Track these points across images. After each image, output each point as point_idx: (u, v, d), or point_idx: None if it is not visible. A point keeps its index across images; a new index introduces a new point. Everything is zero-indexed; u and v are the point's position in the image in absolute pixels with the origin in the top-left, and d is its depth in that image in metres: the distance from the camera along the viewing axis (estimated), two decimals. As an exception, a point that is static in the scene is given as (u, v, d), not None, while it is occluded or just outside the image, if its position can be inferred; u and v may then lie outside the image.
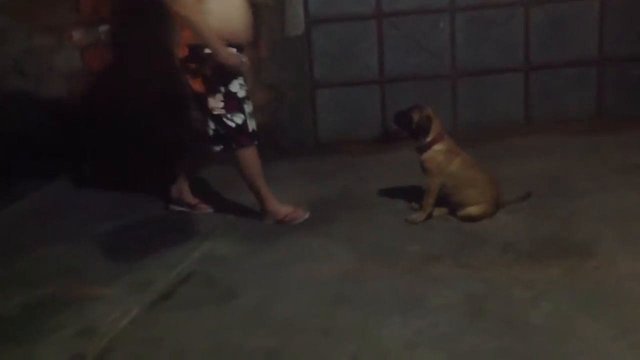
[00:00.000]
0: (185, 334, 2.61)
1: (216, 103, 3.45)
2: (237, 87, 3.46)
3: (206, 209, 4.01)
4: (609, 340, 2.28)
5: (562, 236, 3.17)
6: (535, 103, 5.14)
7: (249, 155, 3.57)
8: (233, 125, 3.48)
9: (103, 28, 4.99)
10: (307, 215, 3.69)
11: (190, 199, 4.02)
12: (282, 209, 3.69)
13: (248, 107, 3.53)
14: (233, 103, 3.46)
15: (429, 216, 3.53)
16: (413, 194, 3.76)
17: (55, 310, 2.87)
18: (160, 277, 3.11)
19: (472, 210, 3.44)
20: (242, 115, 3.48)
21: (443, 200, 3.53)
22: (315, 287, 2.89)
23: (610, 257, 2.88)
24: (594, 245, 3.02)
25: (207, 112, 3.50)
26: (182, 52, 3.48)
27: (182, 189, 4.01)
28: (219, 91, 3.43)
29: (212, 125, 3.52)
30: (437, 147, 3.48)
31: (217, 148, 3.58)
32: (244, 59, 3.49)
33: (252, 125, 3.55)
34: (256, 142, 3.60)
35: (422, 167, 3.53)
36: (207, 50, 3.36)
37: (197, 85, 3.47)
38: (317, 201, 3.93)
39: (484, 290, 2.71)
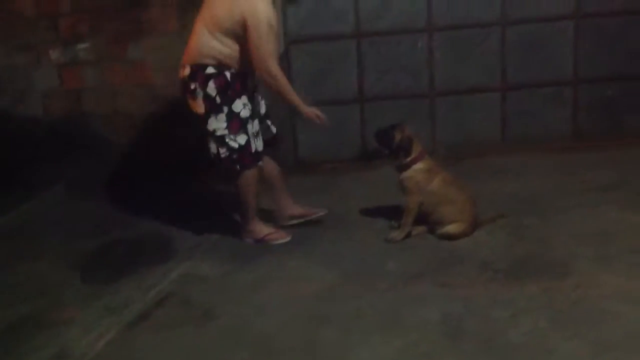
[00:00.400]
0: (162, 356, 2.58)
1: (219, 124, 3.43)
2: (240, 106, 3.44)
3: (318, 212, 3.86)
4: (588, 359, 2.29)
5: (539, 255, 3.19)
6: (512, 122, 5.18)
7: (251, 176, 3.55)
8: (236, 146, 3.45)
9: (82, 46, 4.97)
10: (288, 238, 3.66)
11: (297, 210, 3.89)
12: (264, 229, 3.68)
13: (252, 127, 3.50)
14: (236, 123, 3.43)
15: (408, 235, 3.54)
16: (392, 213, 3.77)
17: (31, 333, 2.83)
18: (137, 299, 3.08)
19: (451, 228, 3.45)
20: (245, 136, 3.46)
21: (422, 218, 3.54)
22: (295, 307, 2.87)
23: (588, 275, 2.90)
24: (572, 263, 3.04)
25: (208, 134, 3.48)
26: (182, 72, 3.47)
27: (285, 203, 3.88)
28: (222, 111, 3.41)
29: (212, 147, 3.50)
30: (417, 166, 3.49)
31: (223, 169, 3.58)
32: (321, 114, 3.54)
33: (255, 145, 3.52)
34: (259, 163, 3.57)
35: (401, 185, 3.54)
36: (210, 70, 3.37)
37: (196, 107, 3.46)
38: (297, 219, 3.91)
39: (462, 309, 2.71)
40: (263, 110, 3.73)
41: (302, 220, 3.84)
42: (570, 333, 2.44)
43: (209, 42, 3.36)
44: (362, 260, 3.33)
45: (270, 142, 3.77)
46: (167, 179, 4.91)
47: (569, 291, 2.77)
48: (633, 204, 3.73)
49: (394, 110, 4.99)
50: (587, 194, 3.99)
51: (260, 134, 3.58)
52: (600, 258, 3.07)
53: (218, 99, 3.40)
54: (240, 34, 3.32)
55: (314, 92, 5.05)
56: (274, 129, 3.79)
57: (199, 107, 3.44)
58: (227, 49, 3.37)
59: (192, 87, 3.42)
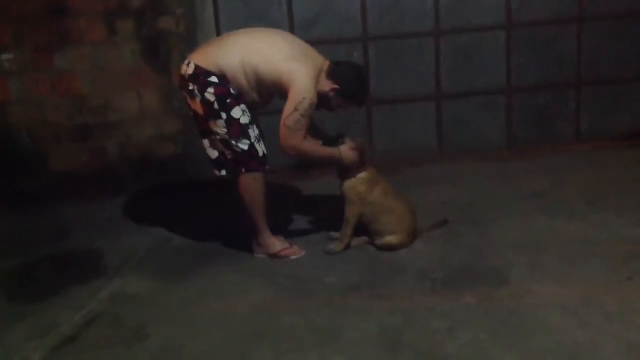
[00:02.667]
0: (91, 381, 2.46)
1: (219, 129, 3.34)
2: (239, 113, 3.33)
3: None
4: (525, 369, 2.29)
5: (476, 264, 3.19)
6: (447, 131, 5.24)
7: (255, 181, 3.42)
8: (239, 150, 3.36)
9: (5, 57, 4.78)
10: (302, 253, 3.53)
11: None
12: (278, 243, 3.54)
13: (254, 132, 3.39)
14: (236, 129, 3.33)
15: (348, 246, 3.50)
16: (331, 224, 3.73)
17: (-53, 361, 2.66)
18: (64, 320, 2.93)
19: (391, 239, 3.42)
20: (247, 141, 3.36)
21: (363, 228, 3.51)
22: (230, 324, 2.79)
23: (523, 284, 2.91)
24: (507, 272, 3.05)
25: (212, 135, 3.38)
26: (186, 69, 3.36)
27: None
28: (221, 117, 3.31)
29: (215, 149, 3.41)
30: (361, 175, 3.45)
31: (220, 173, 3.46)
32: (357, 145, 3.42)
33: (261, 149, 3.42)
34: (267, 167, 3.46)
35: (343, 195, 3.49)
36: (213, 80, 3.28)
37: (196, 106, 3.36)
38: (232, 233, 3.83)
39: (401, 322, 2.68)
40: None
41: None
42: (507, 344, 2.43)
43: (231, 63, 3.29)
44: (300, 274, 3.27)
45: None
46: (94, 192, 4.78)
47: (505, 301, 2.77)
48: (564, 212, 3.79)
49: (330, 120, 4.94)
50: (520, 201, 4.04)
51: (262, 140, 3.48)
52: (534, 267, 3.09)
53: (216, 105, 3.30)
54: (269, 86, 3.32)
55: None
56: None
57: (198, 108, 3.35)
58: (244, 81, 3.32)
59: (191, 87, 3.34)
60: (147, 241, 3.87)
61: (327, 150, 3.44)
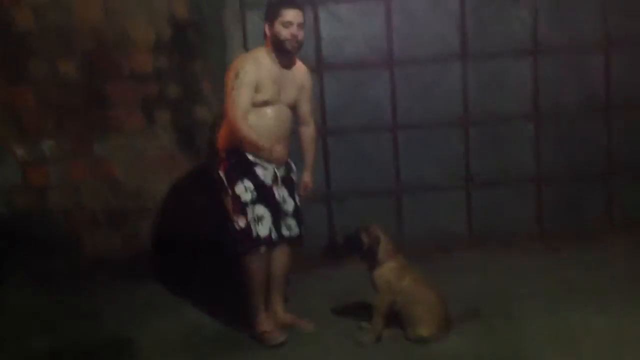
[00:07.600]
0: None
1: (228, 205, 3.48)
2: (241, 189, 3.43)
3: (307, 326, 3.70)
4: None
5: (509, 358, 3.13)
6: (477, 219, 5.23)
7: (251, 261, 3.47)
8: (237, 228, 3.44)
9: (47, 143, 4.92)
10: (281, 339, 3.50)
11: (287, 317, 3.77)
12: (263, 325, 3.56)
13: (252, 212, 3.43)
14: (237, 206, 3.43)
15: (379, 337, 3.46)
16: (362, 312, 3.70)
17: None
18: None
19: (423, 331, 3.39)
20: (244, 219, 3.42)
21: (395, 319, 3.48)
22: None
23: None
24: (541, 368, 3.00)
25: (227, 212, 3.51)
26: (220, 143, 3.55)
27: (276, 308, 3.76)
28: (228, 193, 3.45)
29: (229, 226, 3.51)
30: (389, 264, 3.47)
31: (228, 252, 3.56)
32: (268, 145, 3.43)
33: (256, 230, 3.44)
34: (261, 249, 3.48)
35: (373, 284, 3.50)
36: (221, 155, 3.49)
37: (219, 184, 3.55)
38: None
39: (434, 419, 2.63)
40: (290, 207, 3.68)
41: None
42: None
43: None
44: (330, 365, 3.25)
45: (291, 243, 3.73)
46: (126, 276, 4.81)
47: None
48: (596, 306, 3.72)
49: (360, 206, 5.02)
50: (553, 294, 3.98)
51: (265, 220, 3.47)
52: (569, 362, 3.04)
53: (225, 182, 3.46)
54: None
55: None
56: (297, 230, 3.73)
57: (219, 185, 3.53)
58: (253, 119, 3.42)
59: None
60: (177, 327, 3.86)
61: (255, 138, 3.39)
